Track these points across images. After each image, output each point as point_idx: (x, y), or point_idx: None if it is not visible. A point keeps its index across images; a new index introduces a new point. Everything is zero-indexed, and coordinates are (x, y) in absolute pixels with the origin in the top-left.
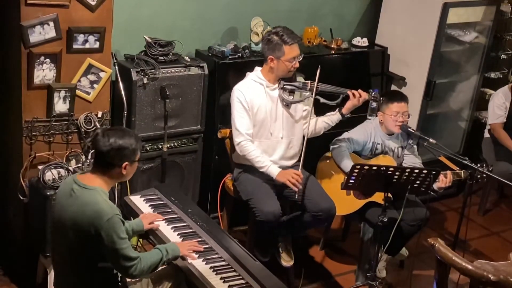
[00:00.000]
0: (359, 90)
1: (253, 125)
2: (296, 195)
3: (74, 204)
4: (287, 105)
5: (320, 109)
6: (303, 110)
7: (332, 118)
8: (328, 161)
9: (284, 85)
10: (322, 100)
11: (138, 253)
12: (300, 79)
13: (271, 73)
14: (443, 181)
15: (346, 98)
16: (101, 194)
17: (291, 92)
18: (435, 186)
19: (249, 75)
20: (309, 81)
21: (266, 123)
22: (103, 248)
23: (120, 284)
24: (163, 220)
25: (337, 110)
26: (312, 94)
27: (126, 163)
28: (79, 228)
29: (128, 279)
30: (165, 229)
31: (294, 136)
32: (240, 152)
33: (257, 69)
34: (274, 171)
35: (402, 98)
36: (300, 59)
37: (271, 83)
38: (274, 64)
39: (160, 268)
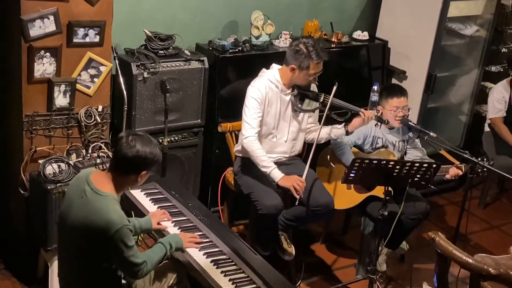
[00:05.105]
0: (368, 111)
1: (261, 124)
2: (297, 201)
3: (84, 208)
4: (296, 111)
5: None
6: (308, 116)
7: (336, 132)
8: (329, 155)
9: (298, 91)
10: (331, 114)
11: (144, 254)
12: (313, 86)
13: (288, 78)
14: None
15: (354, 115)
16: (112, 201)
17: (302, 99)
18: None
19: (266, 74)
20: (323, 93)
21: (274, 125)
22: (110, 254)
23: (123, 280)
24: (171, 221)
25: (343, 125)
26: (322, 106)
27: (144, 172)
28: (87, 234)
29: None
30: (166, 222)
31: (297, 141)
32: (246, 147)
33: (275, 67)
34: (277, 174)
35: (401, 92)
36: (320, 73)
37: (286, 87)
38: (295, 74)
39: (162, 263)
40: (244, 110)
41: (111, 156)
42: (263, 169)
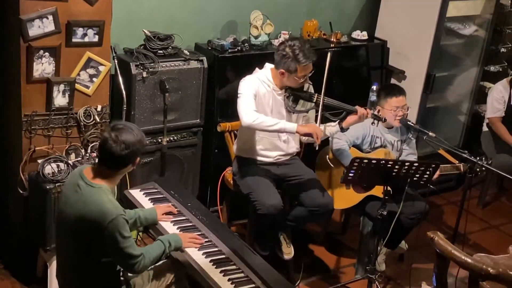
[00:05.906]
0: (364, 108)
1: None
2: (317, 146)
3: (79, 201)
4: (290, 112)
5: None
6: (303, 116)
7: (330, 129)
8: (327, 155)
9: (290, 92)
10: (325, 114)
11: (141, 248)
12: (309, 86)
13: (280, 80)
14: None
15: (349, 114)
16: (106, 193)
17: (295, 100)
18: None
19: (258, 73)
20: (316, 93)
21: None
22: (106, 247)
23: (122, 278)
24: (171, 219)
25: (337, 122)
26: (316, 106)
27: (138, 158)
28: (83, 227)
29: (130, 274)
30: (165, 222)
31: (293, 139)
32: (249, 122)
33: (267, 67)
34: (292, 125)
35: (400, 92)
36: (311, 74)
37: (278, 87)
38: (284, 77)
39: (161, 261)
40: (239, 98)
41: (99, 154)
42: (275, 127)
